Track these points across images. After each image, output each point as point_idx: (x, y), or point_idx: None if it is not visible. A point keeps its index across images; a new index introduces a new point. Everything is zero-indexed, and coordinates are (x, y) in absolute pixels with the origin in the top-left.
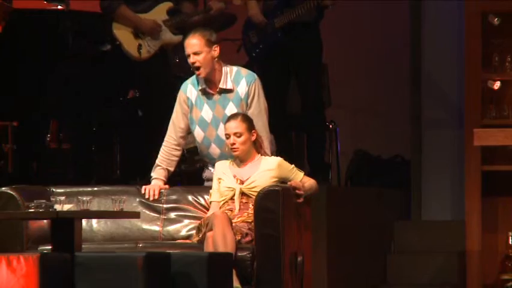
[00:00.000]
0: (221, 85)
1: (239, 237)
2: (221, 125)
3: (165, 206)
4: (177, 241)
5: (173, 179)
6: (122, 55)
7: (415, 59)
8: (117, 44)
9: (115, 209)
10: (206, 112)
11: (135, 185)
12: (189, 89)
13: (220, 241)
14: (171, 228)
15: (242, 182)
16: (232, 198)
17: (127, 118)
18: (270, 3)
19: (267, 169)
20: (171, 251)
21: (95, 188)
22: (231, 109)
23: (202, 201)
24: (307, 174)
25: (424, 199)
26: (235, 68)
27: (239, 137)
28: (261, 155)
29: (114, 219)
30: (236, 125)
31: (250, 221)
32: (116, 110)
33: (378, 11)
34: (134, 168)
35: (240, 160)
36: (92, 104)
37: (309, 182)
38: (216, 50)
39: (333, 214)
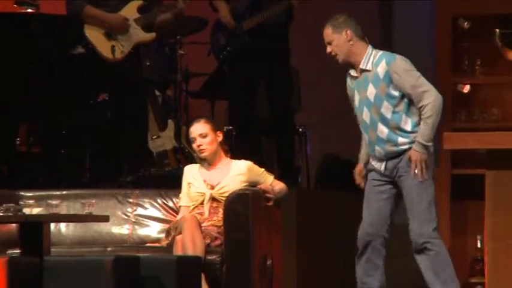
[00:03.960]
0: (361, 66)
1: (208, 241)
2: (365, 109)
3: (134, 209)
4: (146, 244)
5: (142, 183)
6: (92, 58)
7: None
8: (90, 47)
9: (84, 213)
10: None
11: (105, 188)
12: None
13: (190, 244)
14: (141, 231)
15: (212, 187)
16: (202, 203)
17: (97, 121)
18: (239, 5)
19: (237, 173)
20: (140, 255)
21: (64, 192)
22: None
23: (172, 205)
24: (277, 177)
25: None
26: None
27: (205, 137)
28: (231, 158)
29: (83, 222)
30: (200, 127)
31: (219, 224)
32: (86, 113)
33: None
34: (104, 171)
35: (209, 163)
36: (61, 107)
37: (279, 186)
38: None
39: (302, 217)
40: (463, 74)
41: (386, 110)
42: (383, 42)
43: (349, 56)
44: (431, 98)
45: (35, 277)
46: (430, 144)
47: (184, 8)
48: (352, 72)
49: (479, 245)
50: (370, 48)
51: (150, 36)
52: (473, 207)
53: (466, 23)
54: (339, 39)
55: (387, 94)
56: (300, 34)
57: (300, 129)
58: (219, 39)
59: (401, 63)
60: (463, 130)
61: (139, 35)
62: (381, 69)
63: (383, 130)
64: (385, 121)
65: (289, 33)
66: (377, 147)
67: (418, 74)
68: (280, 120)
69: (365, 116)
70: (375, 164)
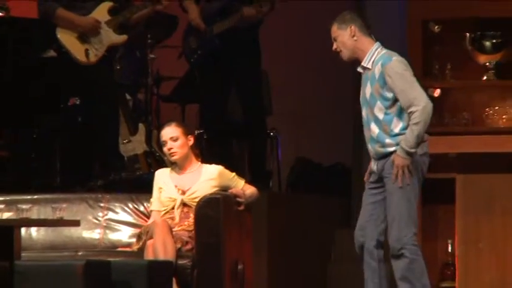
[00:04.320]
0: (363, 63)
1: (179, 245)
2: (363, 106)
3: (105, 213)
4: (117, 249)
5: (113, 187)
6: (62, 61)
7: (356, 67)
8: (63, 50)
9: (55, 217)
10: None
11: (76, 193)
12: None
13: (161, 249)
14: (112, 236)
15: (184, 192)
16: (173, 208)
17: (67, 125)
18: (210, 8)
19: (208, 178)
20: (111, 259)
21: (35, 196)
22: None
23: (143, 209)
24: (248, 181)
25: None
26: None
27: (175, 141)
28: (201, 162)
29: (54, 227)
30: (171, 130)
31: (190, 229)
32: (56, 117)
33: (319, 18)
34: (74, 175)
35: (180, 167)
36: (31, 111)
37: (250, 190)
38: None
39: (273, 221)
40: (434, 78)
41: (379, 110)
42: None
43: (354, 52)
44: (420, 105)
45: (6, 282)
46: (413, 150)
47: (163, 8)
48: (358, 69)
49: (450, 249)
50: (375, 45)
51: (122, 38)
52: (444, 212)
53: (436, 27)
54: (343, 35)
55: (381, 95)
56: (271, 37)
57: (271, 133)
58: (191, 43)
59: (395, 65)
60: (433, 134)
61: (112, 37)
62: (377, 70)
63: (374, 130)
64: (377, 121)
65: (260, 36)
66: (369, 146)
67: (412, 78)
68: (251, 124)
69: (363, 113)
70: (371, 163)
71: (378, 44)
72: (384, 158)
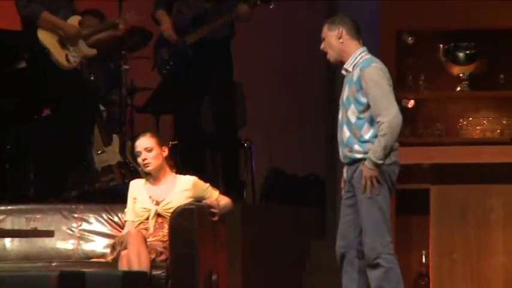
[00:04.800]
0: (345, 65)
1: (154, 256)
2: (340, 108)
3: (79, 224)
4: (91, 259)
5: (87, 198)
6: (37, 71)
7: (330, 78)
8: (46, 51)
9: (29, 228)
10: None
11: (50, 203)
12: None
13: (135, 259)
14: (86, 246)
15: (158, 203)
16: (147, 219)
17: (41, 136)
18: (182, 19)
19: (183, 189)
20: (85, 270)
21: (9, 207)
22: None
23: (117, 220)
24: (222, 192)
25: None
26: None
27: (150, 151)
28: (176, 173)
29: (28, 238)
30: (146, 141)
31: (165, 239)
32: (30, 128)
33: (292, 30)
34: (48, 186)
35: (154, 178)
36: (5, 122)
37: (224, 201)
38: None
39: (248, 232)
40: (408, 89)
41: (352, 113)
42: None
43: (339, 54)
44: (388, 116)
45: None
46: (380, 162)
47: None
48: (342, 71)
49: (424, 260)
50: (361, 50)
51: (92, 51)
52: (418, 222)
53: (409, 38)
54: (331, 36)
55: (355, 98)
56: (245, 48)
57: (245, 144)
58: (162, 54)
59: (372, 71)
60: (407, 145)
61: (84, 49)
62: (356, 73)
63: (346, 133)
64: (349, 124)
65: (233, 47)
66: (340, 150)
67: (387, 88)
68: (225, 134)
69: (339, 115)
70: (344, 170)
71: (363, 48)
72: (352, 164)
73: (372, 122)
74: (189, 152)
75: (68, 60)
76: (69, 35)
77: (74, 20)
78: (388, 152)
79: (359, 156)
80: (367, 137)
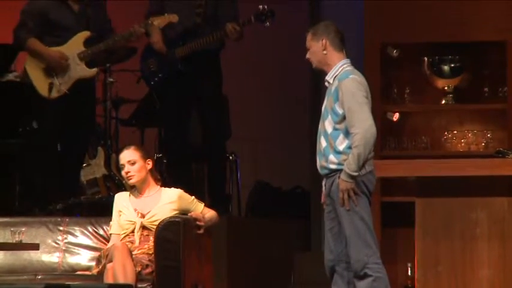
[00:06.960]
0: (326, 77)
1: (139, 269)
2: (321, 118)
3: (64, 237)
4: (76, 272)
5: (73, 211)
6: (21, 85)
7: (315, 90)
8: (28, 81)
9: (14, 241)
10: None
11: (35, 216)
12: None
13: (120, 272)
14: (71, 259)
15: (143, 216)
16: (133, 231)
17: (26, 149)
18: (172, 32)
19: (168, 202)
20: (70, 283)
21: None
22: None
23: (102, 233)
24: (207, 205)
25: (324, 231)
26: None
27: (133, 164)
28: (161, 186)
29: (13, 251)
30: (129, 154)
31: (150, 252)
32: (16, 141)
33: (278, 43)
34: (33, 199)
35: (138, 190)
36: None
37: (210, 213)
38: None
39: (233, 245)
40: (392, 102)
41: (328, 124)
42: (311, 70)
43: (322, 64)
44: (362, 128)
45: None
46: (355, 174)
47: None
48: (325, 82)
49: (409, 272)
50: (343, 61)
51: (92, 72)
52: (403, 235)
53: (394, 51)
54: (315, 46)
55: (332, 109)
56: (230, 62)
57: (231, 157)
58: (150, 65)
59: (349, 83)
60: (392, 158)
61: (81, 71)
62: (334, 84)
63: (322, 143)
64: (325, 135)
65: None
66: (317, 160)
67: (363, 100)
68: (211, 147)
69: (319, 126)
70: (323, 182)
71: (346, 60)
72: (328, 176)
73: (347, 133)
74: (174, 164)
75: (50, 90)
76: (52, 62)
77: (80, 37)
78: (362, 163)
79: (333, 166)
80: (341, 148)
